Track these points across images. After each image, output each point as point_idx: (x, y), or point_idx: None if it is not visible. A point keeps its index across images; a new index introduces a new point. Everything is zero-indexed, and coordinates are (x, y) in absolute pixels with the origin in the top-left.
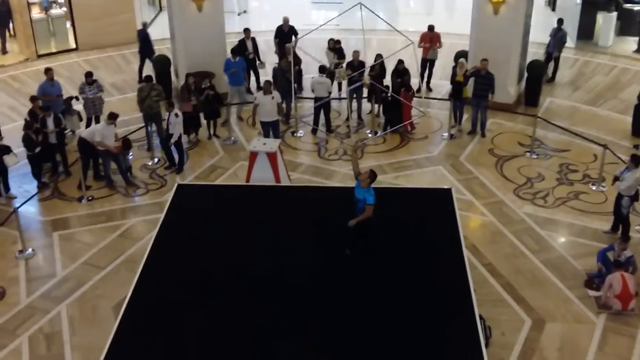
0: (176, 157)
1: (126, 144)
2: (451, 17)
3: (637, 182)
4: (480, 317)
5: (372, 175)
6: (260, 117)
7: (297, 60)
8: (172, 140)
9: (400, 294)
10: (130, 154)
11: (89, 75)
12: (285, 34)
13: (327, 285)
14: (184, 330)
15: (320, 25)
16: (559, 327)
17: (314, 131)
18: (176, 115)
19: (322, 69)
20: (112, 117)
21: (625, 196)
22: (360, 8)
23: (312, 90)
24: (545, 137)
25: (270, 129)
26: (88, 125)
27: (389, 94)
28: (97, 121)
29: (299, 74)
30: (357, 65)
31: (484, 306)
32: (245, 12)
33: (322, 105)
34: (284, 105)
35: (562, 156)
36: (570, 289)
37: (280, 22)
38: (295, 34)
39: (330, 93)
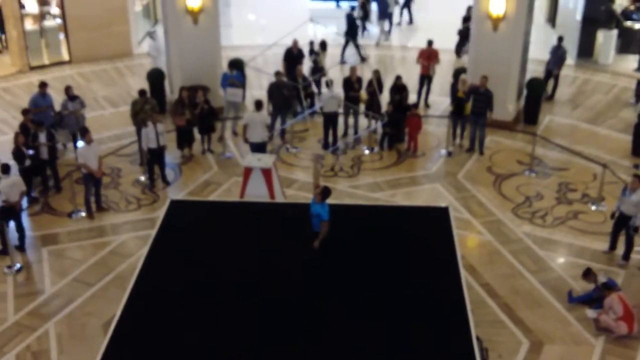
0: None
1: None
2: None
3: None
4: (477, 339)
5: (325, 191)
6: (250, 137)
7: (306, 82)
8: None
9: (396, 314)
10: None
11: (69, 89)
12: (294, 57)
13: (322, 303)
14: (174, 348)
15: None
16: (558, 349)
17: (326, 147)
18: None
19: (327, 84)
20: (83, 132)
21: (633, 217)
22: (313, 23)
23: (321, 107)
24: (545, 155)
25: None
26: (74, 140)
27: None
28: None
29: (310, 95)
30: (354, 81)
31: (481, 327)
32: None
33: (331, 120)
34: (278, 122)
35: (562, 175)
36: (568, 311)
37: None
38: (303, 56)
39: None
